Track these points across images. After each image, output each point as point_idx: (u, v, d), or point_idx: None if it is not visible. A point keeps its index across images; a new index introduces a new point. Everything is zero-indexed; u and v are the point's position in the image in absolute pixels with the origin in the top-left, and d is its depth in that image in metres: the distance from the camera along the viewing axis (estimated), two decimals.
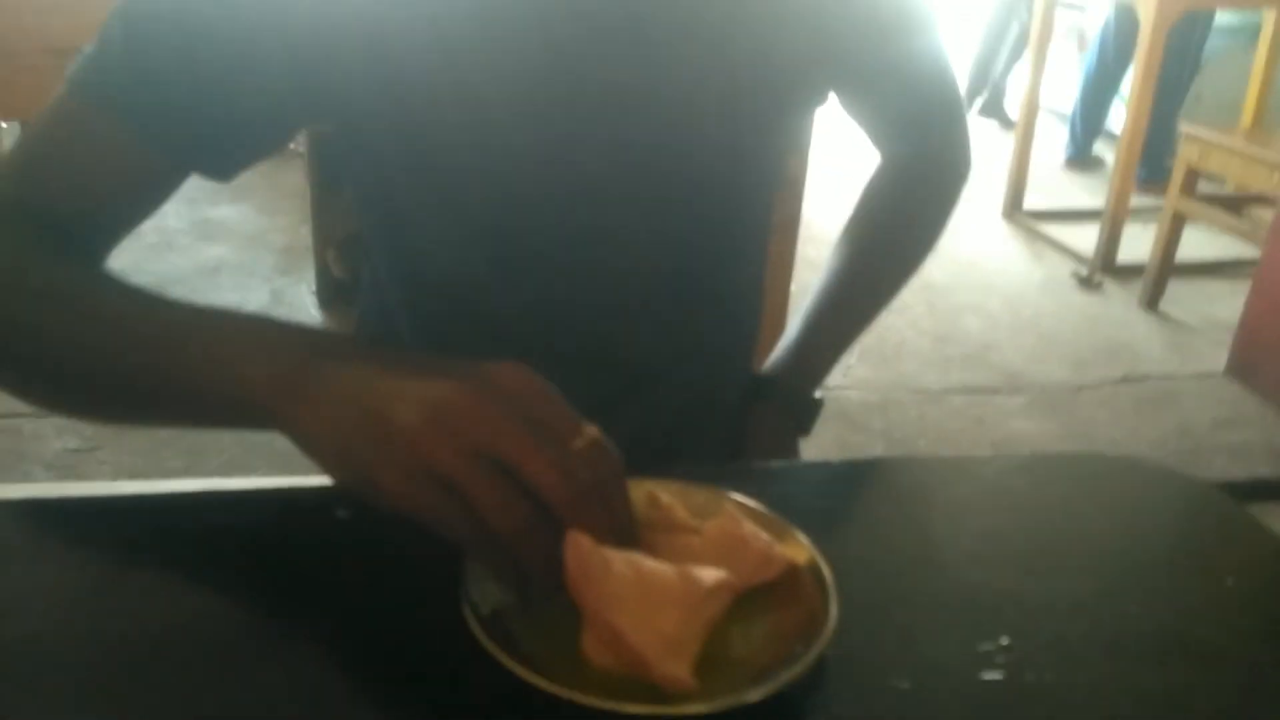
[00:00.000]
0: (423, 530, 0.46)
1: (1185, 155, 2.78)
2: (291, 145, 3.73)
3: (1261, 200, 2.92)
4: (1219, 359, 2.62)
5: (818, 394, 0.87)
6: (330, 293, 2.80)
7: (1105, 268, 3.15)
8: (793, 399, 0.86)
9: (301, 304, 2.71)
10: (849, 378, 2.48)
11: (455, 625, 0.45)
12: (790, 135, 0.82)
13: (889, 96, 0.87)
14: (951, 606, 0.53)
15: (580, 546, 0.44)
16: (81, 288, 0.60)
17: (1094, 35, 4.07)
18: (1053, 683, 0.48)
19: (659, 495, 0.52)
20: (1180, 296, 2.99)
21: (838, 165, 2.74)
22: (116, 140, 0.63)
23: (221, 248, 3.02)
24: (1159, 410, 2.43)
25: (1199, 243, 3.20)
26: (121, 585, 0.52)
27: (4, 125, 2.82)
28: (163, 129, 0.63)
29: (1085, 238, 3.28)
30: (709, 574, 0.46)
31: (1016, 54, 4.68)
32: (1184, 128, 2.83)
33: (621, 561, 0.45)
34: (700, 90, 0.72)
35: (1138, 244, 3.09)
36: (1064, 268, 3.23)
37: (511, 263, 0.74)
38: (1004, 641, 0.50)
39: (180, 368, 0.55)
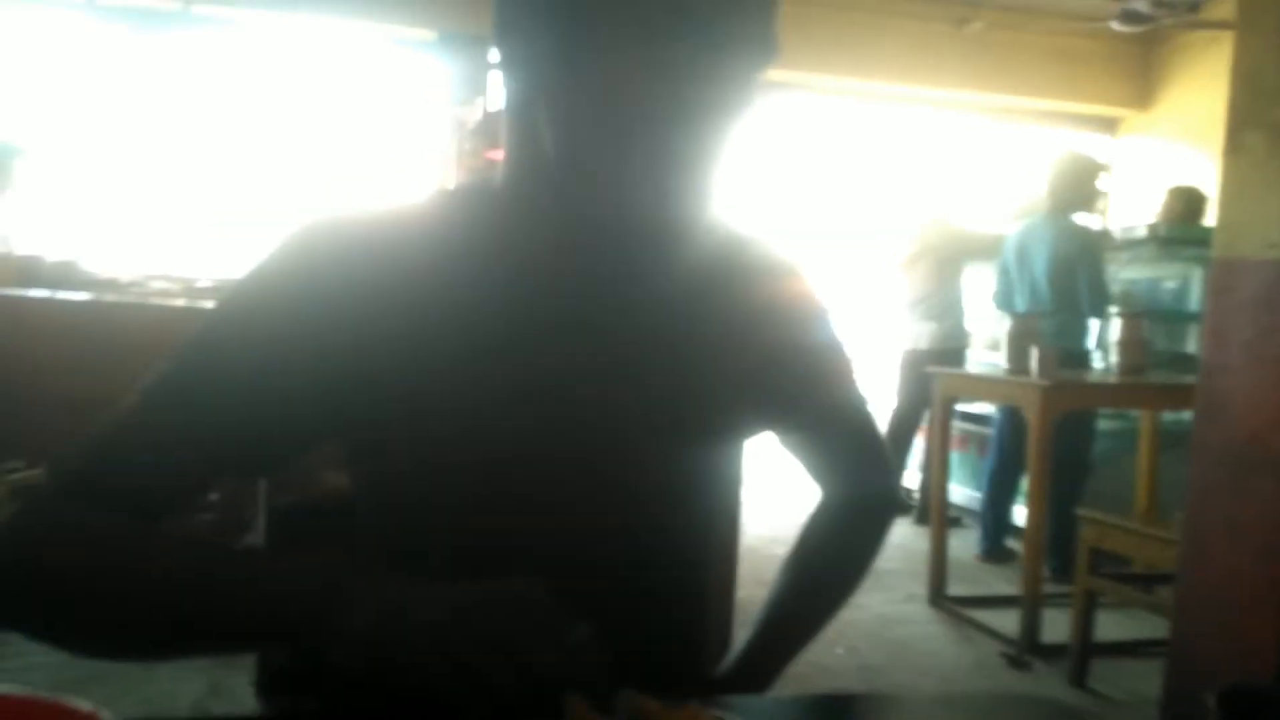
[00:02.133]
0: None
1: (1086, 537, 3.01)
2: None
3: (1168, 579, 3.11)
4: None
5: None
6: (270, 682, 2.77)
7: (1030, 649, 3.25)
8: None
9: (240, 695, 2.66)
10: None
11: None
12: (721, 469, 0.95)
13: (822, 441, 1.04)
14: None
15: (578, 704, 0.58)
16: (139, 543, 0.75)
17: (991, 440, 4.46)
18: None
19: (638, 697, 0.62)
20: (1106, 674, 3.08)
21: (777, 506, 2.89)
22: (175, 439, 0.77)
23: None
24: None
25: (1120, 624, 3.35)
26: None
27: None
28: (216, 436, 0.78)
29: (1009, 621, 3.42)
30: None
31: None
32: (1082, 513, 3.08)
33: None
34: (646, 421, 0.87)
35: (1061, 627, 3.23)
36: (992, 649, 3.33)
37: (482, 554, 0.85)
38: None
39: (231, 598, 0.70)
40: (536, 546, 0.84)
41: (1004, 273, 4.33)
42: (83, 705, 0.48)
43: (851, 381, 1.03)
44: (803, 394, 0.98)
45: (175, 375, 0.79)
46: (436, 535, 0.86)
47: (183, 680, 2.73)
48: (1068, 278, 4.03)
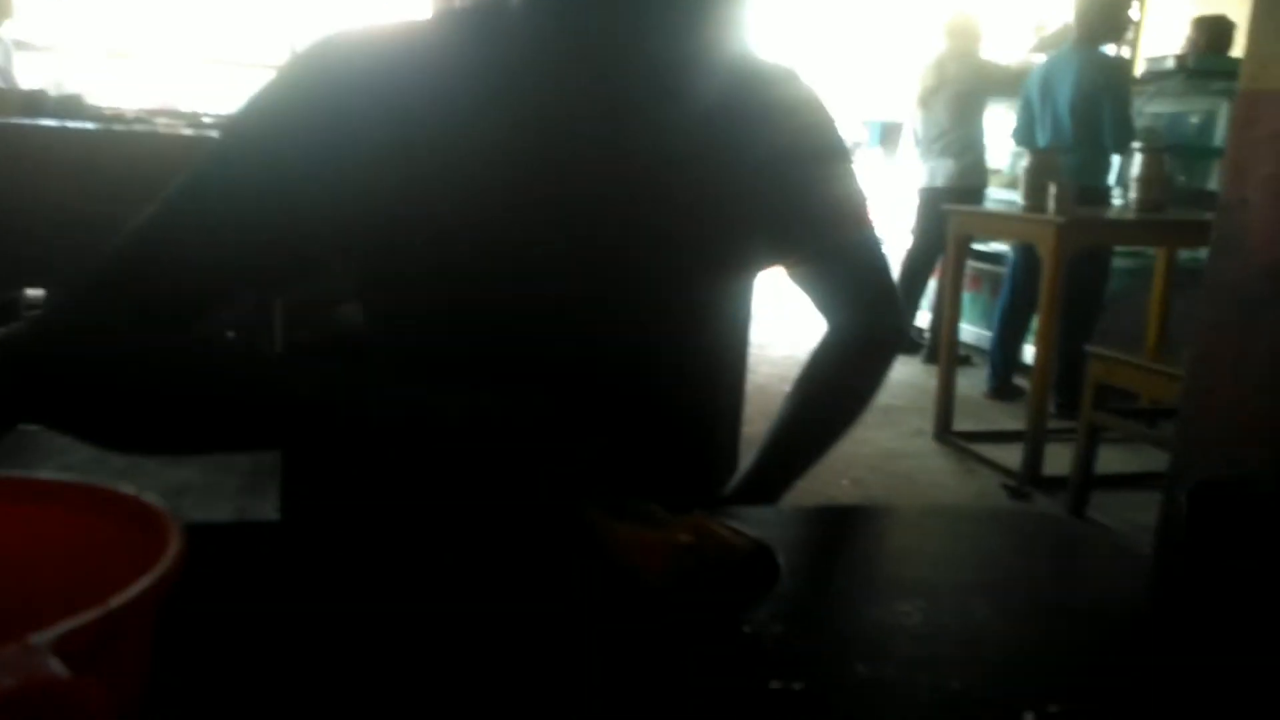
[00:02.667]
0: None
1: (1093, 373, 3.04)
2: None
3: (1172, 414, 3.16)
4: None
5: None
6: (295, 509, 2.88)
7: (1031, 481, 3.34)
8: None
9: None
10: None
11: None
12: (732, 299, 0.97)
13: (833, 276, 1.04)
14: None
15: (592, 511, 0.59)
16: (165, 339, 0.77)
17: (1004, 278, 4.45)
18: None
19: (648, 504, 0.65)
20: (1105, 505, 3.17)
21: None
22: (194, 242, 0.78)
23: (188, 471, 3.10)
24: None
25: (1122, 459, 3.42)
26: None
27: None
28: (235, 240, 0.79)
29: (1013, 456, 3.49)
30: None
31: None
32: (1090, 348, 3.10)
33: None
34: (665, 241, 0.88)
35: (1064, 462, 3.30)
36: (994, 481, 3.42)
37: (498, 372, 0.86)
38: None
39: (261, 382, 0.75)
40: (552, 361, 0.86)
41: (1026, 107, 4.22)
42: (126, 488, 0.50)
43: (865, 222, 1.03)
44: (816, 230, 0.99)
45: (193, 185, 0.80)
46: (452, 356, 0.87)
47: (211, 509, 2.83)
48: (1092, 112, 3.94)
